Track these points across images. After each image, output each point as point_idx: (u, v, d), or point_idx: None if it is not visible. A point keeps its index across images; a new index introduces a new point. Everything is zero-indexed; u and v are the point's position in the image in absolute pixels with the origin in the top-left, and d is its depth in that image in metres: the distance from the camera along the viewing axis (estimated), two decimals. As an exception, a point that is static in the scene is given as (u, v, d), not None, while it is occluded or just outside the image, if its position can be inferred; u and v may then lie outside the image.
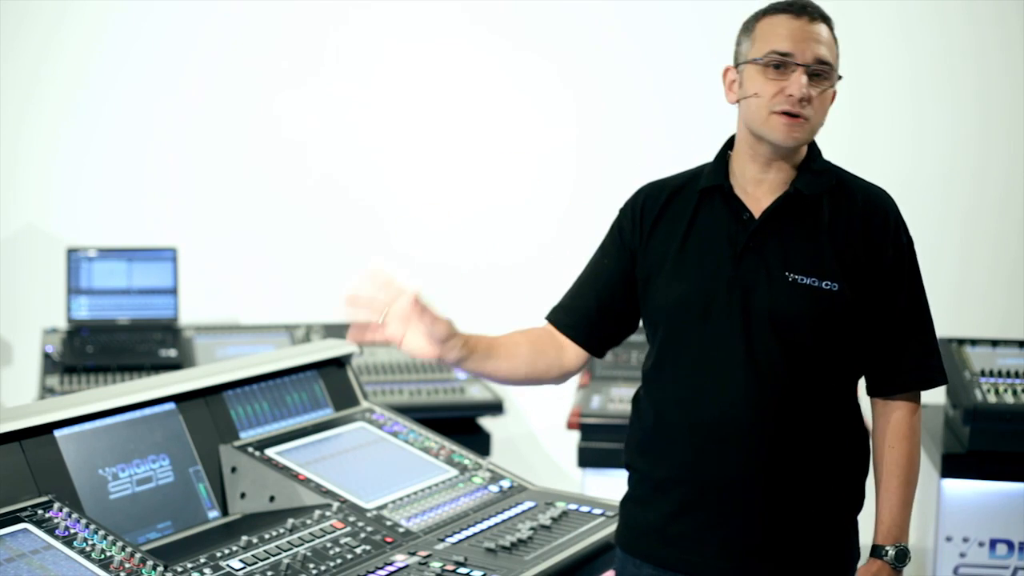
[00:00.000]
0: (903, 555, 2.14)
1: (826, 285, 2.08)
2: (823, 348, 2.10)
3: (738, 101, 2.15)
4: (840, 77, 2.13)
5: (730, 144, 2.22)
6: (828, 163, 2.19)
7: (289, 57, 4.63)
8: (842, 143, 4.25)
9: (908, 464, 2.16)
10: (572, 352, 2.29)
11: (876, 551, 2.16)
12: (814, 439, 2.11)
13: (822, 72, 2.08)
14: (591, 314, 2.28)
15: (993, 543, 3.72)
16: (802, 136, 2.10)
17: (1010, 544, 3.72)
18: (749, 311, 2.09)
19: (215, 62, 4.60)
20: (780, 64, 2.07)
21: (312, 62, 4.64)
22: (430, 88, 4.67)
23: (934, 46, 4.49)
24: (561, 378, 2.32)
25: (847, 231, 2.11)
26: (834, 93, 2.14)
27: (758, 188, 2.15)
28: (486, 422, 4.18)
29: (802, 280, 2.09)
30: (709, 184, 2.18)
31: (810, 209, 2.13)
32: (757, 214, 2.13)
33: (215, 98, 4.61)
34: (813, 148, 2.19)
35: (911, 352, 2.15)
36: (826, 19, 2.12)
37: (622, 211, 2.29)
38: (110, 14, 4.54)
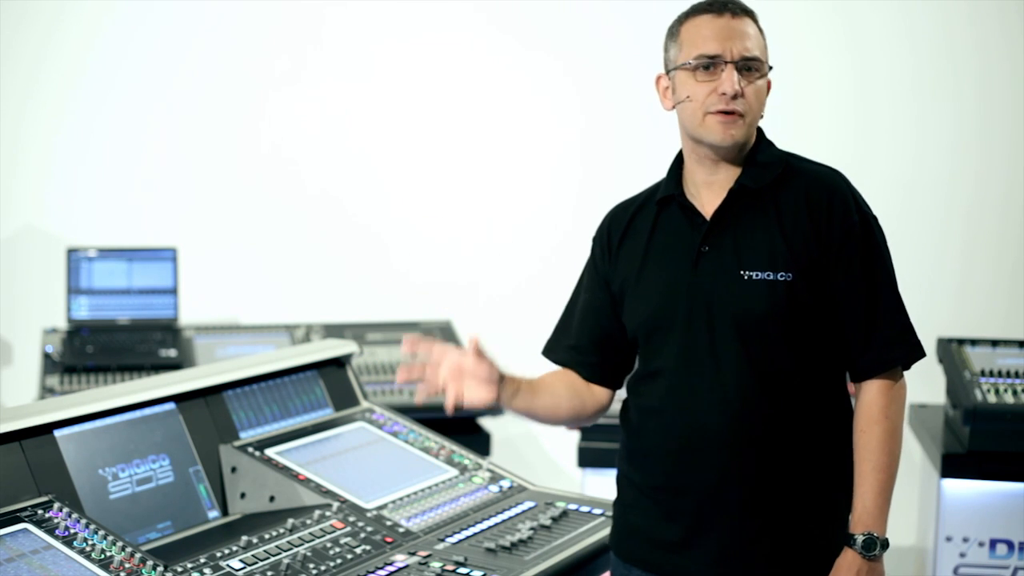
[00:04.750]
0: (871, 544, 2.05)
1: (780, 276, 2.06)
2: (789, 341, 2.07)
3: (674, 107, 2.14)
4: (771, 67, 2.11)
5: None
6: (778, 152, 2.16)
7: (288, 57, 4.62)
8: (845, 143, 4.28)
9: (880, 448, 2.07)
10: (597, 388, 2.32)
11: (845, 539, 2.08)
12: (794, 440, 2.08)
13: (751, 66, 2.08)
14: (591, 352, 2.29)
15: (993, 543, 3.72)
16: (739, 133, 2.08)
17: (1010, 544, 3.71)
18: (712, 316, 2.08)
19: (214, 62, 4.59)
20: (709, 65, 2.07)
21: (311, 62, 4.63)
22: (431, 88, 4.66)
23: (936, 46, 4.48)
24: (596, 414, 2.34)
25: (795, 218, 2.09)
26: (769, 83, 2.13)
27: (709, 191, 2.14)
28: (486, 422, 4.17)
29: (757, 276, 2.07)
30: (664, 195, 2.19)
31: (759, 202, 2.11)
32: (709, 216, 2.13)
33: (215, 98, 4.60)
34: (760, 140, 2.16)
35: (874, 332, 2.09)
36: (748, 12, 2.12)
37: (593, 240, 2.30)
38: (108, 14, 4.54)
